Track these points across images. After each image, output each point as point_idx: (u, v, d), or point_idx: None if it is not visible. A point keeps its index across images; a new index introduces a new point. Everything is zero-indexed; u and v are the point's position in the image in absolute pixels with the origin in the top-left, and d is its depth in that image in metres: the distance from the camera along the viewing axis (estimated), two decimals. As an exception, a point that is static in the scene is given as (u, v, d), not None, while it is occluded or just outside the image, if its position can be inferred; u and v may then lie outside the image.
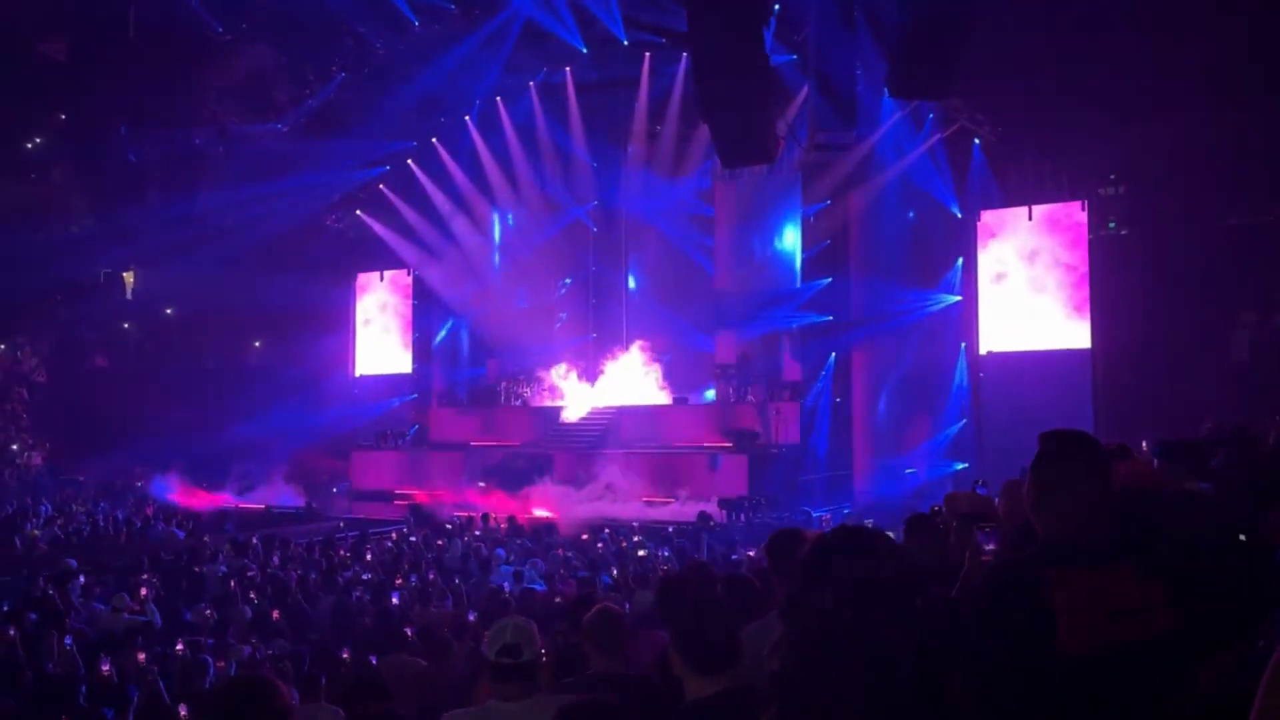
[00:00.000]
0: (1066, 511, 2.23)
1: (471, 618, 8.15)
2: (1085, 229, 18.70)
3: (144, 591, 9.73)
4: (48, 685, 6.92)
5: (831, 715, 1.67)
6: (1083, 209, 18.77)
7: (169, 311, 24.91)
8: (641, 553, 11.74)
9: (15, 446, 24.48)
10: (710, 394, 21.62)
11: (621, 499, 17.91)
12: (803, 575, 1.78)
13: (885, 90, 18.84)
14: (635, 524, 15.06)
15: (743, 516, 16.20)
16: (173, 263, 23.48)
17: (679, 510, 16.83)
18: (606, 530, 14.39)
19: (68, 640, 8.08)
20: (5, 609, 9.35)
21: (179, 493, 22.01)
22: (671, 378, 21.85)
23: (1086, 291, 18.55)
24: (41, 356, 26.62)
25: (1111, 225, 18.89)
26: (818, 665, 1.69)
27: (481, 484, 19.38)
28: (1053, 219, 19.03)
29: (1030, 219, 19.19)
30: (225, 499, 21.58)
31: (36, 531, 16.72)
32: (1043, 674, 2.04)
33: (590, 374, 22.55)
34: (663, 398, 21.42)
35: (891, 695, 1.65)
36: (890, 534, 2.13)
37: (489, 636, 3.29)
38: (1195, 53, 15.05)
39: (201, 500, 21.52)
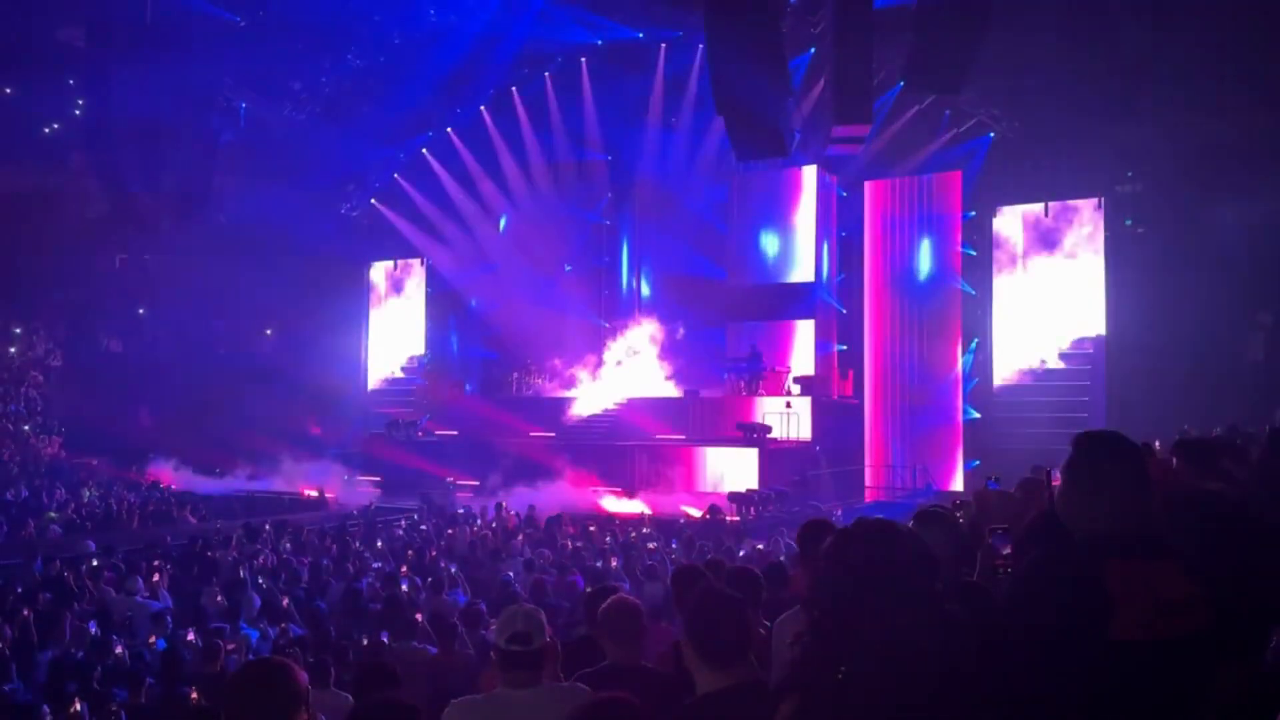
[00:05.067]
0: (1106, 511, 2.25)
1: (481, 607, 8.17)
2: (1101, 226, 18.63)
3: (156, 577, 9.79)
4: (63, 666, 6.98)
5: (853, 700, 1.68)
6: (1099, 206, 18.71)
7: (182, 298, 25.00)
8: (651, 545, 11.74)
9: (28, 428, 24.64)
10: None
11: (629, 490, 17.93)
12: (826, 564, 1.81)
13: (901, 84, 18.91)
14: (645, 516, 15.08)
15: (752, 510, 16.18)
16: (188, 249, 23.58)
17: (689, 503, 16.82)
18: (616, 521, 14.41)
19: (91, 625, 8.16)
20: (19, 590, 9.44)
21: (191, 478, 22.14)
22: (681, 370, 21.85)
23: (1101, 289, 18.49)
24: (57, 341, 26.77)
25: (1128, 222, 18.81)
26: (840, 651, 1.71)
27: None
28: (1069, 215, 18.97)
29: (1046, 215, 19.13)
30: (237, 485, 21.69)
31: (53, 514, 16.84)
32: (1096, 661, 2.06)
33: (601, 364, 22.60)
34: (672, 390, 21.44)
35: (912, 680, 1.66)
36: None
37: (499, 624, 3.29)
38: (1216, 50, 14.94)
39: (214, 486, 21.64)
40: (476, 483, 19.52)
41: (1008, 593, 2.32)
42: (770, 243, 21.95)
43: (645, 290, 23.81)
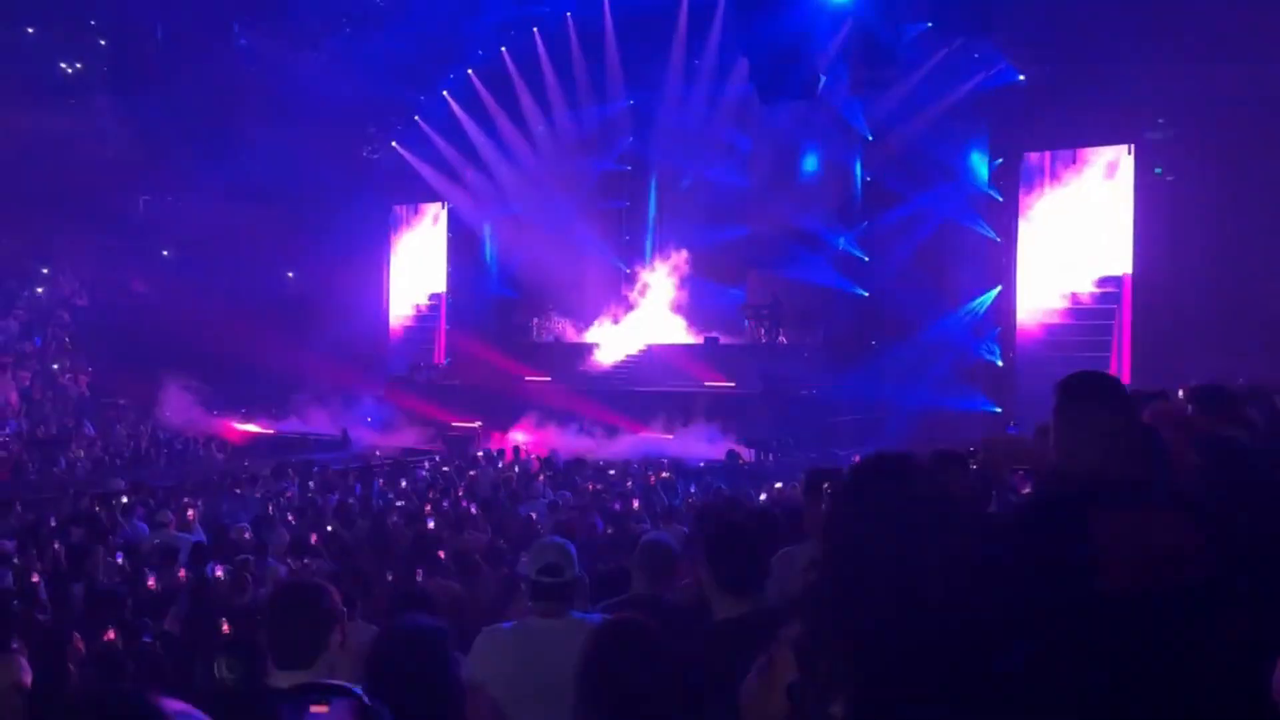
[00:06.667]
0: (1093, 449, 2.22)
1: (503, 545, 8.32)
2: (1131, 174, 18.36)
3: (190, 513, 10.00)
4: (97, 598, 7.16)
5: (863, 633, 1.71)
6: (1129, 153, 18.41)
7: (205, 240, 25.12)
8: (665, 474, 11.83)
9: (56, 366, 24.98)
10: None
11: (651, 435, 18.05)
12: (841, 496, 1.83)
13: (929, 25, 18.60)
14: (665, 460, 15.19)
15: (771, 455, 16.27)
16: (210, 191, 23.62)
17: (708, 448, 16.90)
18: (635, 465, 14.52)
19: (118, 556, 8.35)
20: (52, 525, 9.68)
21: (217, 419, 22.44)
22: (701, 317, 21.86)
23: (1129, 238, 18.27)
24: (82, 281, 27.02)
25: (1158, 171, 18.50)
26: (851, 584, 1.73)
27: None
28: (1097, 162, 18.70)
29: (1074, 162, 18.86)
30: (262, 425, 21.97)
31: (81, 452, 17.17)
32: (1081, 614, 2.03)
33: (622, 309, 22.66)
34: (692, 336, 21.48)
35: (922, 614, 1.69)
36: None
37: (530, 555, 3.40)
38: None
39: (239, 425, 21.93)
40: (497, 427, 19.71)
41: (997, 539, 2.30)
42: (793, 189, 21.73)
43: (666, 236, 23.70)
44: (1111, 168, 18.56)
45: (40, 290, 26.74)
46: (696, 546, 3.62)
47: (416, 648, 2.50)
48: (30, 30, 23.45)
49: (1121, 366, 17.36)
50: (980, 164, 19.56)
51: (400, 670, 2.42)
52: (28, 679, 5.32)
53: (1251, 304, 16.41)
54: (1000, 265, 19.46)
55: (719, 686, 2.19)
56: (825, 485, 3.33)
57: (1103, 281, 18.48)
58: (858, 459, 2.23)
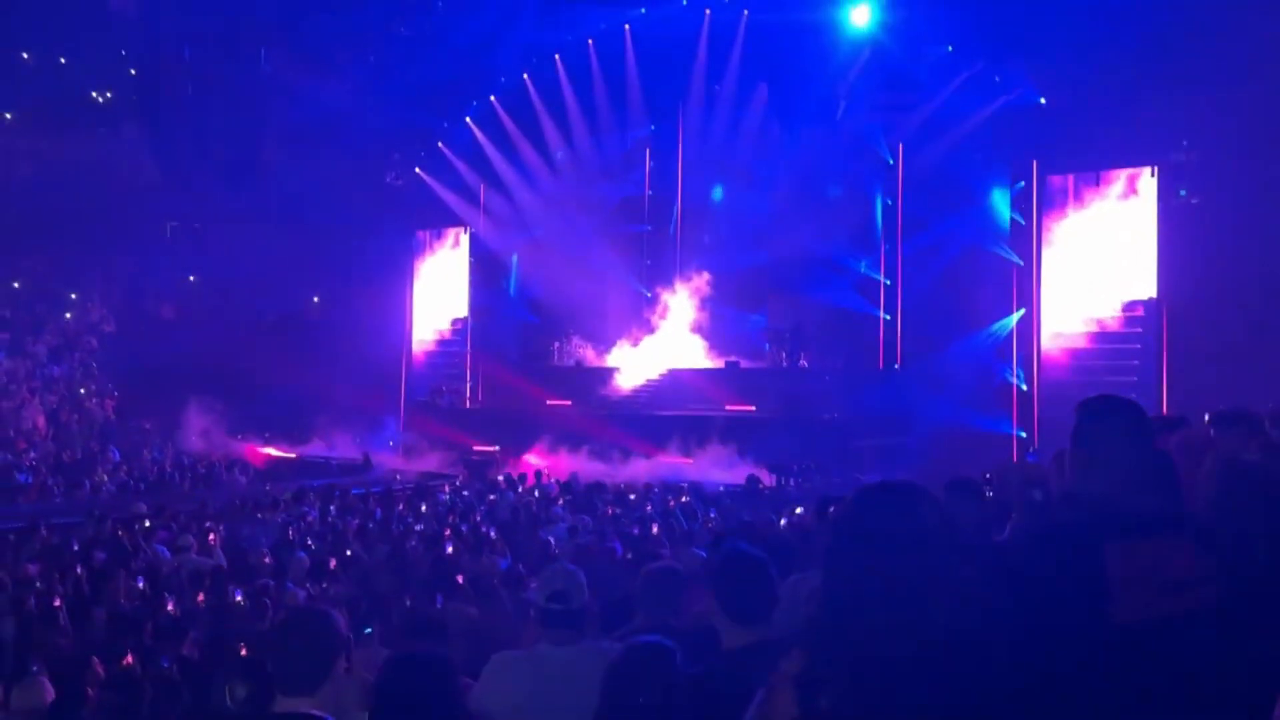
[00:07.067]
0: (1107, 473, 2.19)
1: (522, 570, 8.30)
2: (1155, 196, 18.22)
3: (212, 538, 10.05)
4: (117, 621, 7.20)
5: (863, 667, 1.68)
6: (1152, 175, 18.28)
7: (232, 266, 25.38)
8: (685, 499, 11.78)
9: (83, 391, 25.24)
10: None
11: (670, 459, 17.99)
12: (841, 526, 1.80)
13: (949, 49, 18.63)
14: (684, 485, 15.12)
15: (792, 480, 16.16)
16: (237, 216, 23.89)
17: (728, 473, 16.83)
18: (655, 490, 14.46)
19: (139, 580, 8.40)
20: (75, 549, 9.75)
21: (241, 442, 22.57)
22: (722, 341, 21.81)
23: (1154, 261, 18.10)
24: (110, 306, 27.35)
25: (1182, 193, 18.35)
26: (850, 616, 1.70)
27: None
28: (1120, 184, 18.57)
29: (1097, 184, 18.74)
30: (284, 448, 22.07)
31: (105, 476, 17.31)
32: (1093, 643, 2.00)
33: (643, 333, 22.64)
34: (714, 360, 21.43)
35: (924, 647, 1.66)
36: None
37: (540, 582, 3.39)
38: (1271, 14, 14.50)
39: (262, 449, 22.04)
40: (515, 451, 19.71)
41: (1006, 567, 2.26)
42: (814, 213, 21.70)
43: (688, 260, 23.70)
44: (1134, 190, 18.42)
45: (68, 315, 27.07)
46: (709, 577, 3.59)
47: (422, 678, 2.49)
48: (62, 59, 23.87)
49: (1148, 391, 17.16)
50: (1002, 187, 19.48)
51: (405, 700, 2.41)
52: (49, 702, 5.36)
53: (1278, 326, 16.22)
54: (1023, 289, 19.33)
55: (724, 718, 2.17)
56: (830, 509, 3.31)
57: (1128, 306, 18.29)
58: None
